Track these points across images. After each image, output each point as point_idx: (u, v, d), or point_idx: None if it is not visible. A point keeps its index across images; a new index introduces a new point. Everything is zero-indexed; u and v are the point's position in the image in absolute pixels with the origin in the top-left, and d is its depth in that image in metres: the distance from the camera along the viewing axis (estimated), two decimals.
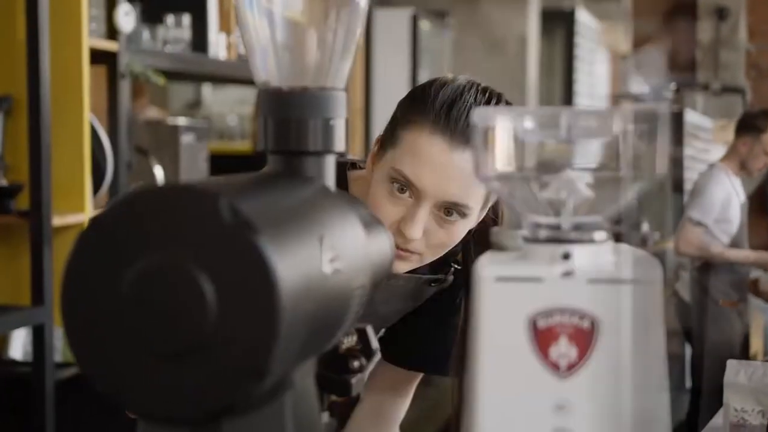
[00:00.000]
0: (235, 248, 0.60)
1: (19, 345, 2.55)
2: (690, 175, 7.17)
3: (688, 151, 6.73)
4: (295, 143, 0.79)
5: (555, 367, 0.67)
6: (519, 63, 5.43)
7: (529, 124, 0.70)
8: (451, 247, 1.27)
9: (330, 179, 0.80)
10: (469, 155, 1.17)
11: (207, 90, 5.53)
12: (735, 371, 1.98)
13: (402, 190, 1.22)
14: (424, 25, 4.87)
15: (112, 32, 2.61)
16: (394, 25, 4.79)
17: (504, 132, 0.70)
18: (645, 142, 0.69)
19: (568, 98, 7.36)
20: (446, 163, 1.20)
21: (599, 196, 0.71)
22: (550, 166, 0.72)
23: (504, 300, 0.68)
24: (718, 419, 2.07)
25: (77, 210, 2.47)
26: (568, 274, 0.67)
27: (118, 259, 0.61)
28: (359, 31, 0.83)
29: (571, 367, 0.67)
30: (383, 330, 1.45)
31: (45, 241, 2.28)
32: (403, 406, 1.52)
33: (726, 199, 4.19)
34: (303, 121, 0.79)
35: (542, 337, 0.67)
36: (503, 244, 0.76)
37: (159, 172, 2.87)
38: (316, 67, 0.81)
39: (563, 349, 0.67)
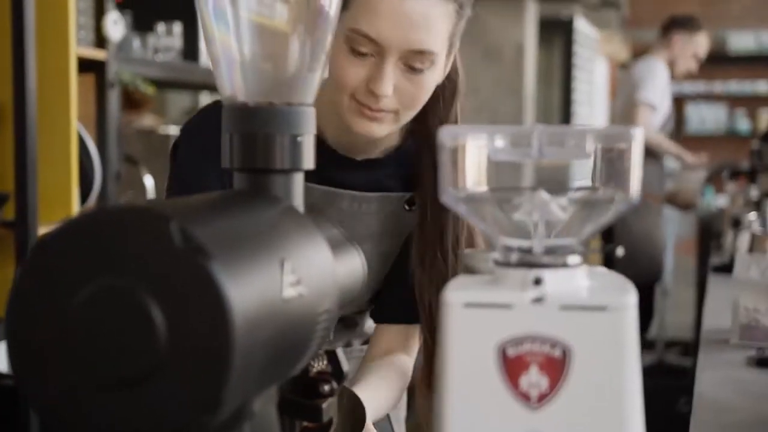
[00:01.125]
0: (186, 274, 0.57)
1: (4, 357, 2.52)
2: (576, 85, 7.24)
3: (575, 60, 6.89)
4: (262, 161, 0.76)
5: (525, 397, 0.64)
6: (516, 71, 5.40)
7: (499, 143, 0.67)
8: (423, 100, 1.24)
9: (298, 198, 0.78)
10: None
11: (204, 97, 5.51)
12: (745, 266, 1.84)
13: (363, 52, 1.19)
14: None
15: (101, 40, 2.59)
16: None
17: (473, 151, 0.68)
18: (618, 163, 0.66)
19: (566, 106, 7.33)
20: (403, 10, 1.17)
21: (573, 217, 0.68)
22: (521, 187, 0.69)
23: (472, 327, 0.65)
24: (721, 323, 1.94)
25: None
26: (539, 300, 0.64)
27: (66, 282, 0.58)
28: (328, 42, 0.81)
29: (543, 398, 0.64)
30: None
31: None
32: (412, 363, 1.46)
33: (664, 86, 4.32)
34: (269, 138, 0.76)
35: (512, 366, 0.64)
36: (475, 267, 0.73)
37: (149, 182, 2.84)
38: (284, 81, 0.79)
39: (534, 379, 0.64)
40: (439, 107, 1.32)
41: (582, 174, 0.72)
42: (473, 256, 0.73)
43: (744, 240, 2.88)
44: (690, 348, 5.05)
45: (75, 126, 2.44)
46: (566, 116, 7.35)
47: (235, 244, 0.61)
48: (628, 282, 0.68)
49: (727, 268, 2.65)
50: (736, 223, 3.16)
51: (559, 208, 0.67)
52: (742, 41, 9.87)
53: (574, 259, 0.67)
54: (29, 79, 2.28)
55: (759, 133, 9.59)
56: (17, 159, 2.29)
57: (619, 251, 0.69)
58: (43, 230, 2.34)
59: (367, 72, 1.20)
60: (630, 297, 0.64)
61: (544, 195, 0.67)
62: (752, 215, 3.02)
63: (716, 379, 1.56)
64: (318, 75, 0.80)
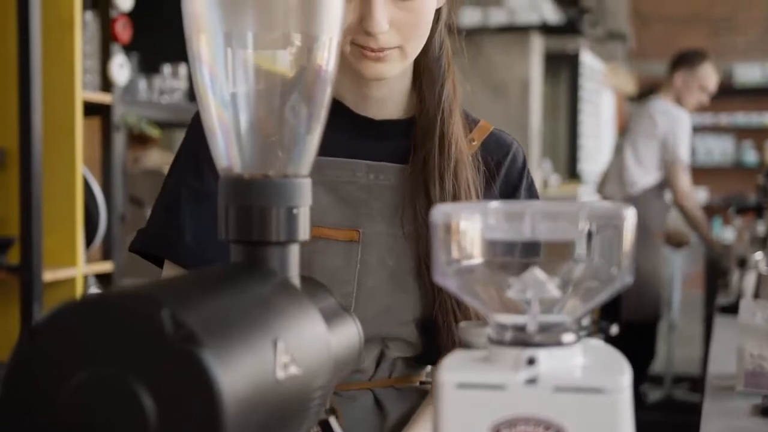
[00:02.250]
0: (176, 362, 0.57)
1: None
2: (583, 118, 7.25)
3: (581, 93, 6.91)
4: (257, 233, 0.76)
5: None
6: (522, 107, 5.41)
7: (491, 221, 0.67)
8: (426, 28, 1.17)
9: (293, 269, 0.78)
10: None
11: None
12: (750, 312, 1.81)
13: None
14: None
15: (107, 84, 2.60)
16: None
17: (465, 229, 0.67)
18: (610, 242, 0.66)
19: (572, 140, 7.34)
20: None
21: (567, 295, 0.68)
22: (515, 264, 0.69)
23: (466, 407, 0.64)
24: (727, 368, 1.92)
25: (69, 264, 2.44)
26: (532, 381, 0.64)
27: (57, 371, 0.58)
28: (327, 99, 0.81)
29: None
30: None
31: (35, 297, 2.25)
32: None
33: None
34: (265, 211, 0.76)
35: None
36: (470, 342, 0.73)
37: None
38: (280, 152, 0.79)
39: None
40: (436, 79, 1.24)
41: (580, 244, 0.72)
42: (468, 330, 0.73)
43: (750, 280, 2.87)
44: (698, 384, 5.02)
45: (80, 170, 2.44)
46: (572, 149, 7.36)
47: (227, 327, 0.61)
48: (623, 360, 0.67)
49: (733, 309, 2.64)
50: (742, 263, 3.15)
51: (553, 287, 0.67)
52: (748, 73, 9.89)
53: (568, 337, 0.67)
54: (35, 124, 2.30)
55: (767, 164, 9.59)
56: (22, 203, 2.30)
57: (614, 330, 0.68)
58: (48, 275, 2.34)
59: (358, 13, 1.12)
60: (625, 378, 0.64)
61: (538, 273, 0.67)
62: (758, 255, 3.01)
63: (722, 429, 1.55)
64: (314, 147, 0.80)
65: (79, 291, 2.46)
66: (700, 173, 10.13)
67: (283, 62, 0.78)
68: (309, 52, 0.78)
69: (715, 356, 2.21)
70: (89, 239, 2.53)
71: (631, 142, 4.46)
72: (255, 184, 0.76)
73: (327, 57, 0.79)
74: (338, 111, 1.25)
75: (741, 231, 4.58)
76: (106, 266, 2.64)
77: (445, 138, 1.21)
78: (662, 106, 4.41)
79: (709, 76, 4.44)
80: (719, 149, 10.12)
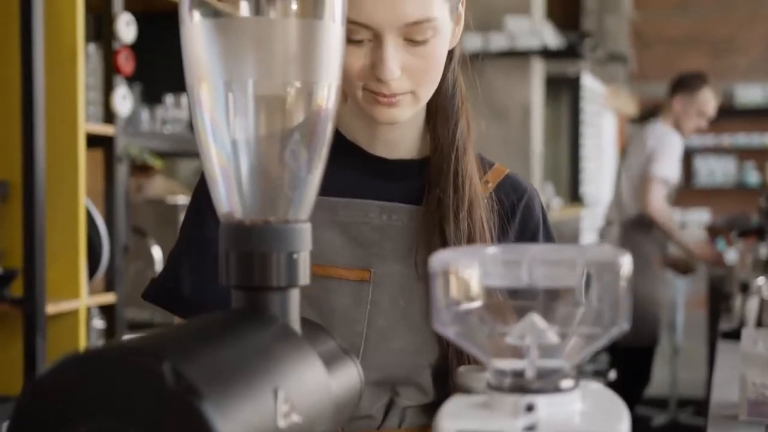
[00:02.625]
0: (178, 414, 0.57)
1: None
2: (584, 141, 7.27)
3: (582, 116, 6.91)
4: (258, 279, 0.77)
5: None
6: (523, 131, 5.43)
7: (490, 268, 0.67)
8: (439, 73, 1.15)
9: (294, 314, 0.78)
10: None
11: None
12: (752, 340, 1.81)
13: (359, 39, 1.11)
14: None
15: (109, 116, 2.61)
16: None
17: (464, 276, 0.68)
18: (608, 288, 0.67)
19: (574, 162, 7.36)
20: None
21: (566, 342, 0.68)
22: (513, 309, 0.70)
23: None
24: (730, 395, 1.91)
25: (72, 296, 2.45)
26: (531, 428, 0.64)
27: (59, 424, 0.59)
28: (328, 138, 0.81)
29: None
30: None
31: (38, 330, 2.26)
32: None
33: (677, 162, 4.35)
34: (266, 256, 0.77)
35: None
36: (469, 386, 0.73)
37: (157, 254, 2.85)
38: (280, 198, 0.79)
39: None
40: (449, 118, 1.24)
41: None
42: (468, 375, 0.73)
43: (753, 305, 2.87)
44: (703, 407, 5.00)
45: (83, 202, 2.46)
46: (574, 172, 7.37)
47: (228, 378, 0.61)
48: (621, 405, 0.68)
49: (736, 334, 2.63)
50: (745, 288, 3.15)
51: (552, 333, 0.67)
52: (749, 94, 9.91)
53: (567, 383, 0.67)
54: (38, 156, 2.31)
55: (767, 185, 9.60)
56: (25, 236, 2.31)
57: (612, 375, 0.69)
58: (51, 307, 2.35)
59: (369, 59, 1.12)
60: (623, 424, 0.64)
61: (536, 320, 0.68)
62: (761, 280, 3.00)
63: None
64: (314, 190, 0.81)
65: (82, 323, 2.46)
66: (702, 194, 10.14)
67: (283, 108, 0.79)
68: (309, 98, 0.79)
69: (719, 383, 2.21)
70: (92, 271, 2.54)
71: (626, 166, 4.48)
72: (256, 230, 0.77)
73: (326, 102, 0.80)
74: (352, 151, 1.25)
75: (743, 254, 4.57)
76: (108, 297, 2.64)
77: (459, 176, 1.20)
78: (657, 130, 4.42)
79: (707, 101, 4.44)
80: (721, 170, 10.14)
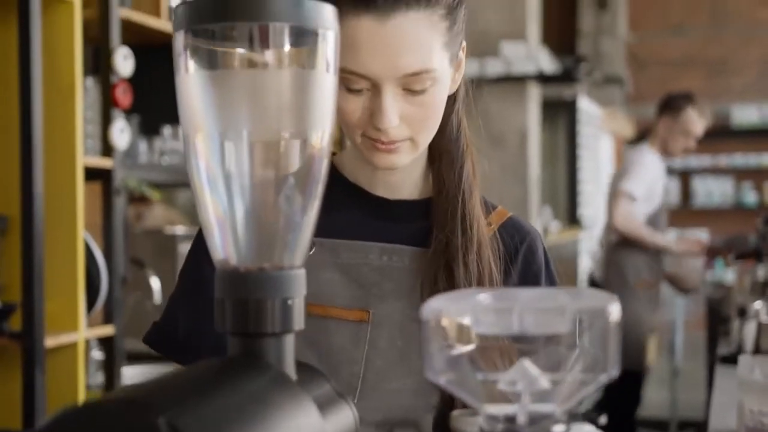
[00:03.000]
0: None
1: None
2: (582, 164, 7.28)
3: (579, 139, 6.93)
4: (254, 325, 0.78)
5: None
6: (520, 156, 5.45)
7: (481, 316, 0.68)
8: (437, 120, 1.15)
9: (289, 359, 0.79)
10: (410, 15, 1.09)
11: None
12: (749, 367, 1.81)
13: (358, 89, 1.11)
14: None
15: (107, 148, 2.63)
16: None
17: (456, 324, 0.69)
18: (598, 335, 0.68)
19: (572, 185, 7.38)
20: (383, 36, 1.09)
21: (557, 387, 0.69)
22: (505, 354, 0.71)
23: None
24: (728, 422, 1.91)
25: (71, 329, 2.45)
26: None
27: None
28: (322, 182, 0.83)
29: None
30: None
31: (37, 363, 2.26)
32: None
33: (653, 178, 4.31)
34: (261, 303, 0.78)
35: None
36: (462, 431, 0.74)
37: (156, 284, 2.86)
38: (275, 245, 0.81)
39: None
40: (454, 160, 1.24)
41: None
42: (461, 420, 0.74)
43: (750, 329, 2.87)
44: (703, 429, 4.99)
45: (82, 235, 2.47)
46: (572, 195, 7.39)
47: (223, 430, 0.62)
48: None
49: (734, 359, 2.64)
50: (742, 312, 3.15)
51: (544, 379, 0.68)
52: (745, 115, 9.95)
53: (558, 428, 0.68)
54: (37, 190, 2.32)
55: (766, 205, 9.62)
56: (24, 270, 2.32)
57: (602, 420, 0.69)
58: (50, 341, 2.35)
59: (368, 108, 1.13)
60: None
61: (528, 366, 0.69)
62: (758, 304, 3.01)
63: None
64: (308, 236, 0.82)
65: (81, 356, 2.47)
66: (700, 215, 10.16)
67: (278, 156, 0.80)
68: (303, 146, 0.81)
69: (717, 409, 2.21)
70: (91, 303, 2.54)
71: (612, 189, 4.50)
72: (251, 278, 0.78)
73: (320, 149, 0.82)
74: (354, 193, 1.26)
75: (741, 276, 4.58)
76: (107, 330, 2.65)
77: (467, 219, 1.20)
78: (639, 151, 4.43)
79: (692, 121, 4.41)
80: (719, 191, 10.16)
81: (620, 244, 4.31)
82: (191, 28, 0.77)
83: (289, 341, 0.79)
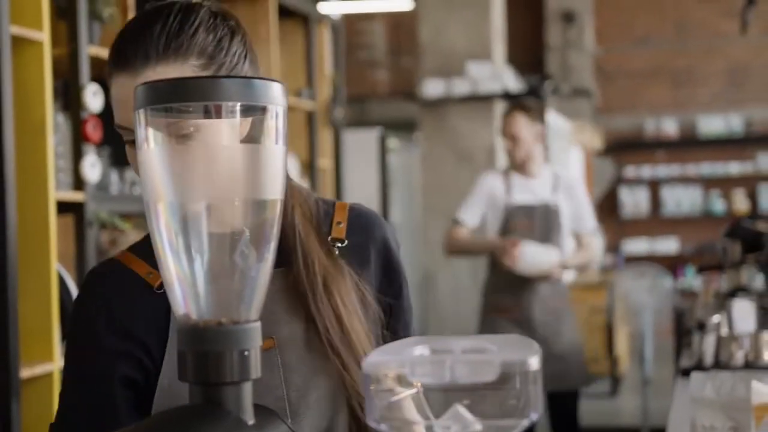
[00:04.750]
0: None
1: None
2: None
3: (548, 153, 6.97)
4: (213, 375, 0.85)
5: None
6: None
7: (416, 369, 0.76)
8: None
9: (247, 405, 0.86)
10: (158, 69, 1.13)
11: None
12: (701, 385, 1.87)
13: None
14: (392, 142, 4.98)
15: (79, 182, 2.69)
16: (363, 144, 4.91)
17: (393, 376, 0.77)
18: (521, 385, 0.75)
19: None
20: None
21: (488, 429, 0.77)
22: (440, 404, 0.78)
23: None
24: None
25: (46, 360, 2.51)
26: None
27: None
28: (271, 259, 0.90)
29: None
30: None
31: (13, 394, 2.32)
32: None
33: (482, 202, 4.04)
34: (220, 355, 0.85)
35: None
36: None
37: None
38: (231, 301, 0.88)
39: None
40: None
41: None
42: None
43: (710, 343, 2.95)
44: None
45: (55, 267, 2.52)
46: None
47: None
48: None
49: (694, 371, 2.70)
50: (701, 325, 3.24)
51: (475, 422, 0.76)
52: (712, 124, 10.12)
53: None
54: (10, 224, 2.38)
55: (734, 213, 9.78)
56: None
57: None
58: (24, 372, 2.41)
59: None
60: None
61: (461, 410, 0.77)
62: (716, 318, 3.09)
63: None
64: (267, 270, 0.89)
65: (56, 386, 2.52)
66: (670, 223, 10.31)
67: (232, 219, 0.88)
68: (256, 209, 0.88)
69: (674, 424, 2.28)
70: (65, 333, 2.60)
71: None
72: (210, 332, 0.86)
73: (273, 209, 0.89)
74: None
75: (707, 286, 4.67)
76: None
77: (308, 257, 1.24)
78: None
79: (503, 123, 4.10)
80: (688, 199, 10.31)
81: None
82: (151, 107, 0.84)
83: (247, 388, 0.87)
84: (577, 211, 4.00)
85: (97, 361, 1.22)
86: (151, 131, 0.86)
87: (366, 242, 1.31)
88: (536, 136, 3.99)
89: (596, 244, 4.17)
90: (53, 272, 2.51)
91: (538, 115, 4.04)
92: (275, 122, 0.87)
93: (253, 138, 0.87)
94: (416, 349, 0.79)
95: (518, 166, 4.02)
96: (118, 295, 1.24)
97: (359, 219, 1.32)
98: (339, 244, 1.28)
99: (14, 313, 2.38)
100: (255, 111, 0.86)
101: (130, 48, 1.15)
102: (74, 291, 2.61)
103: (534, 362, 0.75)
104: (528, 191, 4.00)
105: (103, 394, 1.22)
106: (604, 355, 7.04)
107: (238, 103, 0.85)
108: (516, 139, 3.95)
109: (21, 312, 2.42)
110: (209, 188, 0.86)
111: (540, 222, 4.00)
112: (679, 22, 10.18)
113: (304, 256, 1.24)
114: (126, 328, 1.22)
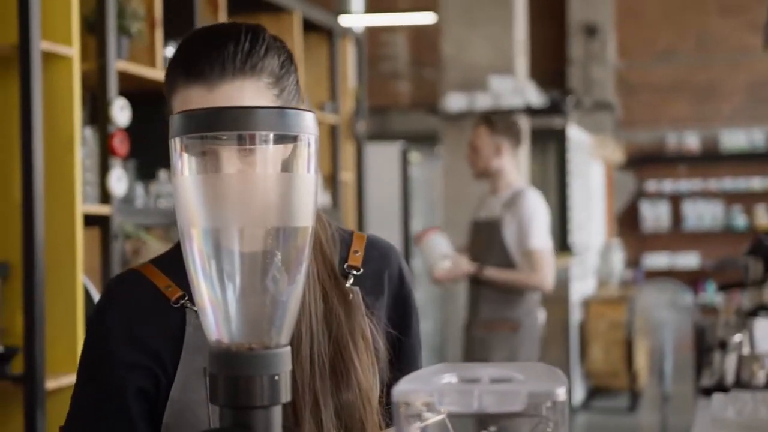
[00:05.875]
0: None
1: None
2: (572, 192, 7.35)
3: (569, 166, 6.96)
4: (244, 399, 0.87)
5: None
6: None
7: (445, 398, 0.78)
8: None
9: (276, 429, 0.88)
10: (236, 84, 1.16)
11: None
12: (722, 406, 1.88)
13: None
14: (414, 156, 5.00)
15: (105, 195, 2.72)
16: (385, 157, 4.93)
17: (423, 404, 0.78)
18: (548, 414, 0.77)
19: (562, 212, 7.47)
20: (211, 102, 1.17)
21: None
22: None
23: None
24: None
25: (71, 372, 2.53)
26: None
27: None
28: (301, 285, 0.92)
29: None
30: None
31: (38, 406, 2.35)
32: None
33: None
34: (250, 379, 0.87)
35: None
36: None
37: None
38: (262, 326, 0.90)
39: None
40: None
41: None
42: None
43: (731, 362, 2.94)
44: None
45: (81, 280, 2.55)
46: (563, 222, 7.48)
47: None
48: None
49: (716, 390, 2.69)
50: (723, 344, 3.23)
51: None
52: (734, 139, 10.08)
53: None
54: (38, 237, 2.42)
55: (756, 228, 9.73)
56: (26, 314, 2.40)
57: None
58: (50, 383, 2.44)
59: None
60: None
61: None
62: (738, 337, 3.08)
63: None
64: (297, 296, 0.90)
65: None
66: (691, 238, 10.26)
67: (264, 245, 0.90)
68: (287, 236, 0.90)
69: None
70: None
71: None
72: (242, 357, 0.87)
73: (303, 236, 0.91)
74: None
75: (728, 305, 4.64)
76: None
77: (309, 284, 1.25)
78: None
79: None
80: (709, 214, 10.27)
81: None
82: (187, 136, 0.86)
83: (277, 413, 0.89)
84: (521, 227, 3.92)
85: (110, 370, 1.23)
86: (185, 159, 0.88)
87: (381, 273, 1.32)
88: (495, 150, 3.98)
89: (546, 265, 3.98)
90: (79, 284, 2.54)
91: (503, 132, 4.01)
92: (307, 151, 0.88)
93: (285, 166, 0.89)
94: (444, 377, 0.80)
95: (477, 176, 4.09)
96: (135, 306, 1.25)
97: (376, 250, 1.34)
98: (354, 272, 1.29)
99: (41, 326, 2.41)
100: (287, 140, 0.88)
101: (206, 61, 1.18)
102: None
103: (561, 393, 0.76)
104: (488, 208, 4.05)
105: (114, 403, 1.22)
106: (623, 369, 7.03)
107: (272, 133, 0.86)
108: (474, 149, 4.01)
109: (47, 325, 2.45)
110: (242, 216, 0.88)
111: (484, 237, 4.02)
112: (701, 36, 10.15)
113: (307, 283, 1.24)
114: (141, 339, 1.23)
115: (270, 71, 1.20)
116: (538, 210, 3.96)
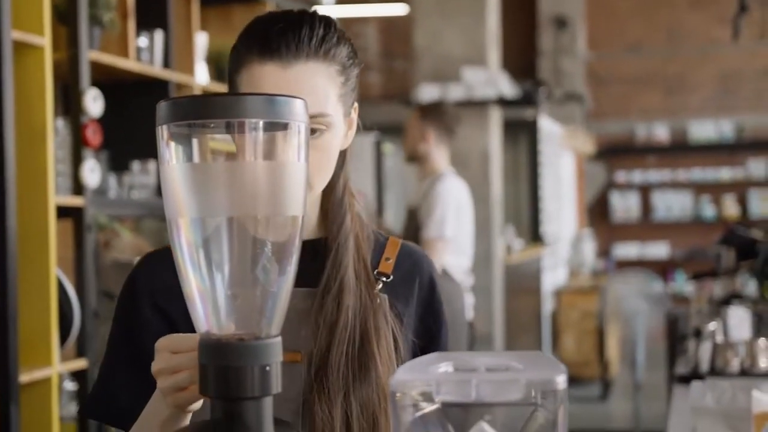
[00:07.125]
0: None
1: None
2: (543, 182, 7.39)
3: (540, 157, 6.99)
4: (234, 390, 0.86)
5: None
6: (483, 177, 5.56)
7: (442, 387, 0.76)
8: (331, 165, 1.23)
9: (267, 420, 0.87)
10: (309, 65, 1.19)
11: None
12: (700, 394, 1.88)
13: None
14: (387, 148, 4.99)
15: (78, 187, 2.69)
16: (358, 149, 4.91)
17: (420, 393, 0.77)
18: (547, 404, 0.76)
19: (534, 203, 7.50)
20: (286, 81, 1.19)
21: None
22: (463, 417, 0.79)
23: None
24: None
25: (45, 364, 2.51)
26: None
27: None
28: (291, 274, 0.90)
29: None
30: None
31: (12, 399, 2.32)
32: None
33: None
34: (241, 370, 0.86)
35: None
36: None
37: None
38: (252, 316, 0.88)
39: None
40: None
41: None
42: None
43: (706, 350, 2.96)
44: None
45: (54, 272, 2.52)
46: (534, 213, 7.51)
47: None
48: None
49: (690, 379, 2.70)
50: (698, 333, 3.25)
51: None
52: (702, 130, 10.15)
53: None
54: (10, 229, 2.38)
55: (725, 219, 9.81)
56: None
57: None
58: (24, 376, 2.40)
59: None
60: None
61: (486, 427, 0.77)
62: (712, 325, 3.10)
63: None
64: (288, 286, 0.89)
65: (54, 390, 2.52)
66: (661, 228, 10.33)
67: (253, 235, 0.88)
68: (276, 225, 0.89)
69: (673, 431, 2.29)
70: (63, 337, 2.60)
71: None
72: (231, 347, 0.86)
73: (293, 225, 0.90)
74: None
75: (699, 293, 4.67)
76: (80, 363, 2.70)
77: (337, 265, 1.26)
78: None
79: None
80: (678, 204, 10.34)
81: None
82: (174, 123, 0.85)
83: (268, 403, 0.87)
84: (425, 217, 3.90)
85: (137, 333, 1.25)
86: (173, 147, 0.86)
87: (412, 280, 1.33)
88: (421, 135, 4.01)
89: (434, 256, 3.89)
90: (53, 276, 2.51)
91: (431, 119, 4.04)
92: (297, 139, 0.87)
93: (275, 154, 0.87)
94: (440, 366, 0.79)
95: (407, 160, 4.16)
96: (159, 281, 1.26)
97: (408, 257, 1.34)
98: (384, 279, 1.29)
99: (14, 317, 2.38)
100: (277, 127, 0.86)
101: (282, 40, 1.20)
102: (73, 295, 2.61)
103: (561, 381, 0.76)
104: (419, 195, 4.07)
105: (143, 362, 1.19)
106: (595, 359, 7.07)
107: (261, 120, 0.85)
108: (405, 132, 4.10)
109: (20, 316, 2.42)
110: (231, 204, 0.86)
111: (407, 224, 4.07)
112: (671, 28, 10.21)
113: (340, 284, 1.24)
114: (164, 311, 1.24)
115: (340, 59, 1.24)
116: (444, 198, 3.91)
